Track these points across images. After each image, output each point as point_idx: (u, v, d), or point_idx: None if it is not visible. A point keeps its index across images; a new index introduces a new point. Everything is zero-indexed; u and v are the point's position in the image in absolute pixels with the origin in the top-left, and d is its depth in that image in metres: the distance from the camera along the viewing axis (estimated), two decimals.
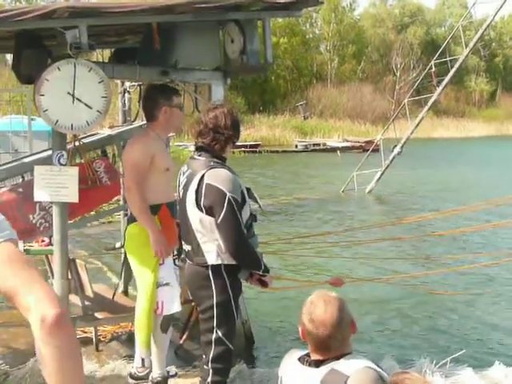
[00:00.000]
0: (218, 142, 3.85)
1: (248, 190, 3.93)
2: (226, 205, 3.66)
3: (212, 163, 3.80)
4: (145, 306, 4.47)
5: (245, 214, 3.81)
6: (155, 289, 4.44)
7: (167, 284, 4.50)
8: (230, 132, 3.85)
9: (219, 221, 3.69)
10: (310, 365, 2.52)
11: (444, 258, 9.97)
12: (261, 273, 3.88)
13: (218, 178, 3.72)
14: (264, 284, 4.01)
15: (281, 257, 9.13)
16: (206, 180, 3.72)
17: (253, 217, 3.92)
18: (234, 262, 3.81)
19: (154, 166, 4.40)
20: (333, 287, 4.22)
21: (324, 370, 2.46)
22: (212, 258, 3.79)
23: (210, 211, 3.73)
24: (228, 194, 3.67)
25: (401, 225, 11.39)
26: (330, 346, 2.47)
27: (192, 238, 3.86)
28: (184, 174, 3.93)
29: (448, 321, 7.48)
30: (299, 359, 2.58)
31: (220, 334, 3.84)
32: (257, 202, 3.99)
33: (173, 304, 4.54)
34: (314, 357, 2.53)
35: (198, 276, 3.88)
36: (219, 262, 3.78)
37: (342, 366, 2.44)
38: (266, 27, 5.05)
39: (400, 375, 2.56)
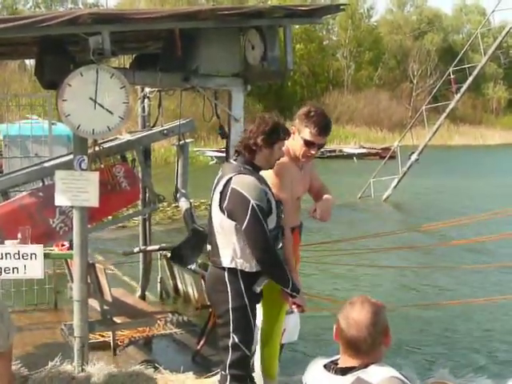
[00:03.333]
0: (246, 147, 3.87)
1: (278, 203, 3.91)
2: (249, 211, 3.66)
3: (242, 169, 3.81)
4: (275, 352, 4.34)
5: (270, 224, 3.80)
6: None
7: (292, 312, 4.39)
8: (258, 138, 3.83)
9: (244, 228, 3.70)
10: (335, 372, 2.50)
11: (464, 266, 9.90)
12: (289, 291, 3.84)
13: (243, 184, 3.73)
14: (298, 306, 3.94)
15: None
16: (231, 184, 3.75)
17: (280, 229, 3.90)
18: (247, 269, 3.80)
19: None
20: None
21: (350, 378, 2.44)
22: (226, 261, 3.81)
23: (230, 215, 3.75)
24: (252, 201, 3.67)
25: (419, 232, 11.34)
26: (359, 347, 2.46)
27: (213, 238, 3.90)
28: (218, 175, 3.95)
29: (467, 331, 7.43)
30: (325, 366, 2.57)
31: (237, 339, 3.83)
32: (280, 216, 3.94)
33: (294, 334, 4.51)
34: (343, 362, 2.52)
35: (215, 278, 3.90)
36: (233, 265, 3.80)
37: (369, 374, 2.43)
38: (286, 34, 5.05)
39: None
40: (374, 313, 2.48)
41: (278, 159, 3.95)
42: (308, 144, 4.06)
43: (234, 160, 3.93)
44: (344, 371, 2.49)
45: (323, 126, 4.05)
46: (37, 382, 4.82)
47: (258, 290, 3.90)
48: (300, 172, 4.21)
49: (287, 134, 3.96)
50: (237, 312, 3.81)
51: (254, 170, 3.86)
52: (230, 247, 3.79)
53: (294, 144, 4.10)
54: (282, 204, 3.96)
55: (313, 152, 4.10)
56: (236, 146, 3.98)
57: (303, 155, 4.12)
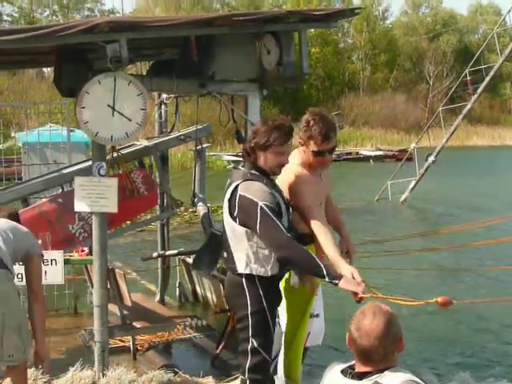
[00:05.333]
0: (245, 151, 3.86)
1: (288, 206, 3.89)
2: (259, 212, 3.62)
3: (249, 175, 3.78)
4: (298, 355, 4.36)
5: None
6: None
7: (317, 315, 4.43)
8: (252, 142, 3.80)
9: (258, 231, 3.66)
10: (352, 377, 2.52)
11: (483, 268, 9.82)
12: (327, 280, 3.57)
13: (249, 188, 3.70)
14: (355, 295, 3.54)
15: None
16: (239, 191, 3.72)
17: (292, 232, 3.83)
18: (263, 273, 3.79)
19: None
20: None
21: (367, 382, 2.46)
22: (241, 267, 3.80)
23: (243, 222, 3.73)
24: (260, 203, 3.63)
25: (439, 235, 11.27)
26: (371, 357, 2.48)
27: (227, 245, 3.89)
28: (227, 182, 3.94)
29: (485, 335, 7.37)
30: (342, 371, 2.58)
31: (256, 344, 3.81)
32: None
33: (318, 338, 4.52)
34: (358, 368, 2.53)
35: (233, 283, 3.89)
36: (248, 271, 3.78)
37: (386, 378, 2.44)
38: (302, 38, 5.08)
39: None
40: (385, 323, 2.48)
41: (280, 165, 3.83)
42: (318, 154, 4.02)
43: (242, 166, 3.90)
44: (360, 376, 2.50)
45: (325, 132, 3.97)
46: None
47: (295, 285, 3.88)
48: (320, 178, 4.17)
49: (285, 139, 3.78)
50: (256, 316, 3.80)
51: (262, 174, 3.80)
52: (243, 253, 3.78)
53: (306, 157, 4.06)
54: (293, 208, 3.94)
55: (326, 159, 4.07)
56: (241, 151, 3.95)
57: (318, 166, 4.09)
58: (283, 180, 4.03)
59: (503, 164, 33.22)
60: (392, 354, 2.51)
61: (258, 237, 3.70)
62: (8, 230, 4.11)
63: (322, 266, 3.55)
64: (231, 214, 3.77)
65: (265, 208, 3.62)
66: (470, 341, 7.15)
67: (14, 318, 3.99)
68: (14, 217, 4.41)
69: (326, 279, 3.54)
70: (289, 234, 3.65)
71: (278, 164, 3.81)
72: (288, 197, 3.99)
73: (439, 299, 3.85)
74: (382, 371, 2.47)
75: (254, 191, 3.68)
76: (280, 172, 3.89)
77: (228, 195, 3.78)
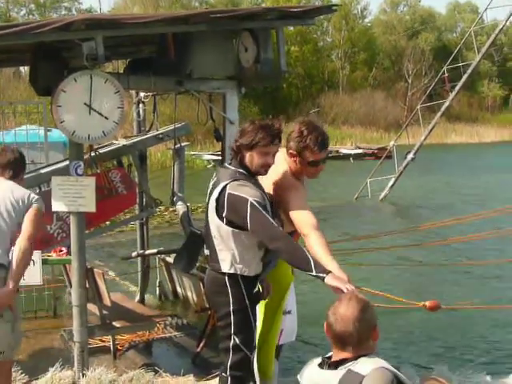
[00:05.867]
0: (232, 150, 3.86)
1: (272, 206, 3.85)
2: (248, 207, 3.60)
3: (237, 174, 3.76)
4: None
5: None
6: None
7: (289, 312, 4.40)
8: (238, 141, 3.79)
9: (249, 225, 3.61)
10: (329, 367, 2.61)
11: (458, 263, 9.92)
12: (314, 274, 3.49)
13: (238, 187, 3.69)
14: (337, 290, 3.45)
15: None
16: (227, 190, 3.70)
17: None
18: (247, 273, 3.80)
19: None
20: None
21: (342, 371, 2.56)
22: (226, 267, 3.79)
23: (231, 221, 3.70)
24: (250, 199, 3.61)
25: (417, 232, 11.36)
26: (346, 341, 2.60)
27: (211, 244, 3.87)
28: (212, 179, 3.92)
29: (466, 328, 7.43)
30: (319, 364, 2.67)
31: (238, 341, 3.83)
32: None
33: (292, 335, 4.50)
34: (335, 355, 2.63)
35: (215, 282, 3.88)
36: (232, 271, 3.78)
37: (359, 366, 2.54)
38: (279, 36, 5.07)
39: (429, 381, 2.68)
40: (360, 309, 2.61)
41: (265, 165, 3.78)
42: (313, 164, 3.99)
43: (229, 164, 3.89)
44: (336, 365, 2.61)
45: (321, 141, 3.94)
46: None
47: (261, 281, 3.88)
48: (304, 186, 4.13)
49: (270, 139, 3.73)
50: (238, 314, 3.81)
51: (249, 173, 3.79)
52: (228, 253, 3.77)
53: (299, 168, 4.01)
54: (277, 208, 3.92)
55: (320, 169, 4.05)
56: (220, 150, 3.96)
57: (312, 176, 4.08)
58: (275, 181, 3.98)
59: (481, 161, 33.54)
60: (367, 340, 2.62)
61: (249, 231, 3.65)
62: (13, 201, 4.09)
63: (310, 258, 3.52)
64: (218, 213, 3.75)
65: (255, 203, 3.60)
66: (449, 334, 7.21)
67: (9, 314, 3.97)
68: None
69: (314, 272, 3.48)
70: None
71: (263, 164, 3.77)
72: (278, 197, 3.94)
73: (427, 303, 3.88)
74: (356, 358, 2.57)
75: (244, 189, 3.67)
76: (264, 173, 3.83)
77: (216, 194, 3.75)
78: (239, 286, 3.80)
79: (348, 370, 2.54)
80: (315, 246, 3.67)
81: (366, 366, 2.53)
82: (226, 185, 3.72)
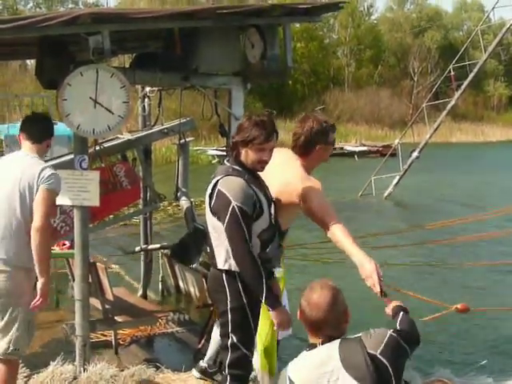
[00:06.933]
0: (229, 146, 3.88)
1: (271, 202, 3.85)
2: (229, 212, 3.59)
3: (231, 170, 3.73)
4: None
5: (261, 224, 3.74)
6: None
7: (284, 306, 4.42)
8: (235, 137, 3.78)
9: (224, 227, 3.65)
10: (308, 350, 2.80)
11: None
12: (264, 303, 3.71)
13: (228, 185, 3.66)
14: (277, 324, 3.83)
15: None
16: (218, 186, 3.69)
17: (276, 228, 3.83)
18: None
19: None
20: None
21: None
22: (221, 262, 3.78)
23: (217, 216, 3.71)
24: (233, 203, 3.59)
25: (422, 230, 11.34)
26: (321, 327, 2.76)
27: (209, 240, 3.89)
28: (212, 177, 3.92)
29: (468, 331, 7.40)
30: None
31: (235, 339, 3.81)
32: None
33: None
34: (311, 339, 2.81)
35: (215, 278, 3.88)
36: (227, 267, 3.76)
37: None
38: (286, 32, 5.07)
39: (433, 383, 2.77)
40: (332, 296, 2.78)
41: (260, 161, 3.74)
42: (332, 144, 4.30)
43: (227, 161, 3.87)
44: (312, 347, 2.79)
45: (332, 124, 4.29)
46: (38, 381, 4.84)
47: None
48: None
49: (266, 136, 3.70)
50: (235, 312, 3.79)
51: (245, 169, 3.75)
52: (223, 248, 3.76)
53: (314, 161, 4.25)
54: (275, 204, 3.90)
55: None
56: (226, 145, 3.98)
57: (326, 159, 4.34)
58: (291, 177, 4.01)
59: (486, 160, 33.43)
60: (340, 324, 2.79)
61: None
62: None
63: (264, 290, 3.65)
64: (210, 208, 3.76)
65: (236, 210, 3.58)
66: (451, 337, 7.18)
67: (26, 313, 4.04)
68: None
69: (263, 300, 3.70)
70: (250, 245, 3.65)
71: (259, 160, 3.74)
72: (295, 192, 3.94)
73: (459, 306, 4.02)
74: (329, 340, 2.74)
75: (233, 189, 3.64)
76: (261, 169, 3.80)
77: (209, 190, 3.76)
78: (236, 284, 3.77)
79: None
80: (342, 237, 3.84)
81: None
82: (218, 180, 3.72)
